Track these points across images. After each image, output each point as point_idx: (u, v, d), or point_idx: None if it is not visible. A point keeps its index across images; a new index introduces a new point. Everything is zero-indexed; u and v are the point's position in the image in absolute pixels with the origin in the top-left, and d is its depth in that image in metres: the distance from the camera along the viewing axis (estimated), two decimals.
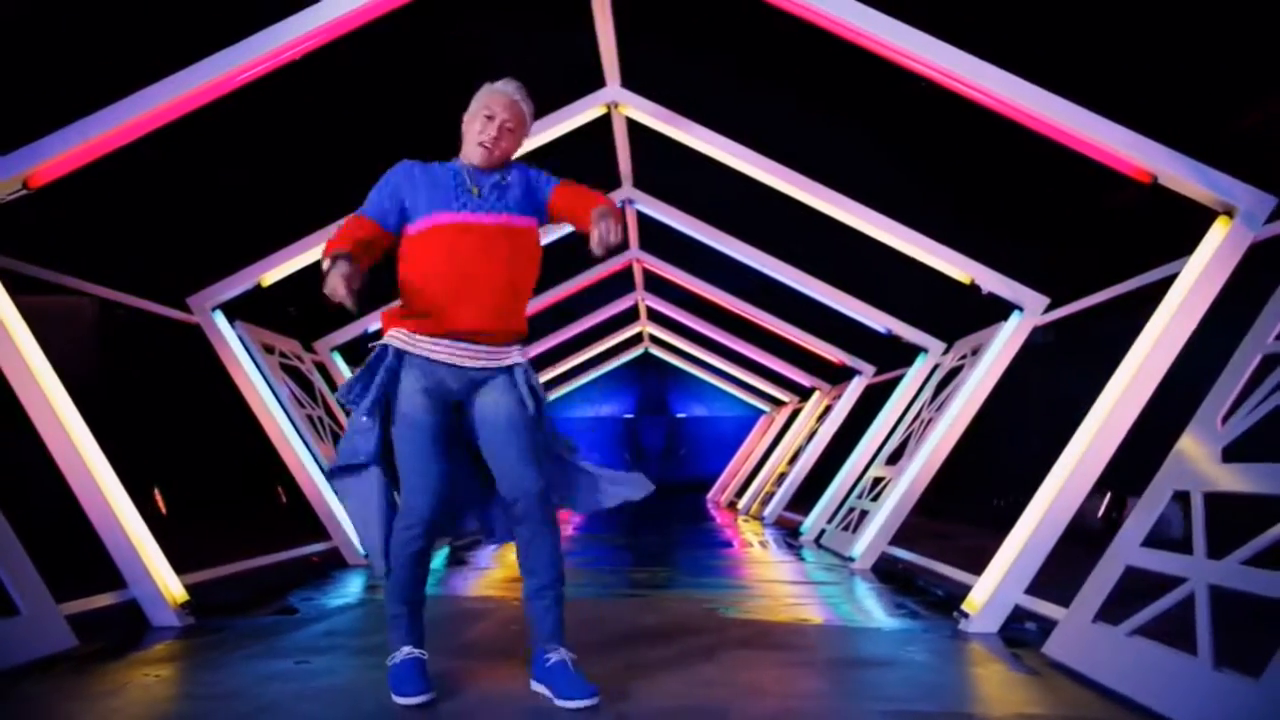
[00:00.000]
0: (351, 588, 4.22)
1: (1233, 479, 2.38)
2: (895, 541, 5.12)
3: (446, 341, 2.26)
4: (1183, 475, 2.55)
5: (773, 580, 4.61)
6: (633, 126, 5.60)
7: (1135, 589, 2.52)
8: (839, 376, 9.30)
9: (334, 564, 4.97)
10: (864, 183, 5.37)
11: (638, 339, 12.23)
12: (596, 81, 5.16)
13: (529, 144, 5.45)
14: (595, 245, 2.22)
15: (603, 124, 5.58)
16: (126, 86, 3.36)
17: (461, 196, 2.31)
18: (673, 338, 11.51)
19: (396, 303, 2.37)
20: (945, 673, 2.61)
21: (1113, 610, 2.55)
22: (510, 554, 5.86)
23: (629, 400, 16.01)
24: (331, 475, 2.38)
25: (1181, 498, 2.54)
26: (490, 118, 2.36)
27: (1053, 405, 10.09)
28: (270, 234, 5.08)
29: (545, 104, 5.30)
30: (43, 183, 3.41)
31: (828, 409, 9.09)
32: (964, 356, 5.62)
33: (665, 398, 15.97)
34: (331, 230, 2.38)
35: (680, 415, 16.21)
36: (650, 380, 15.63)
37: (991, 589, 3.15)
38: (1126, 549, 2.61)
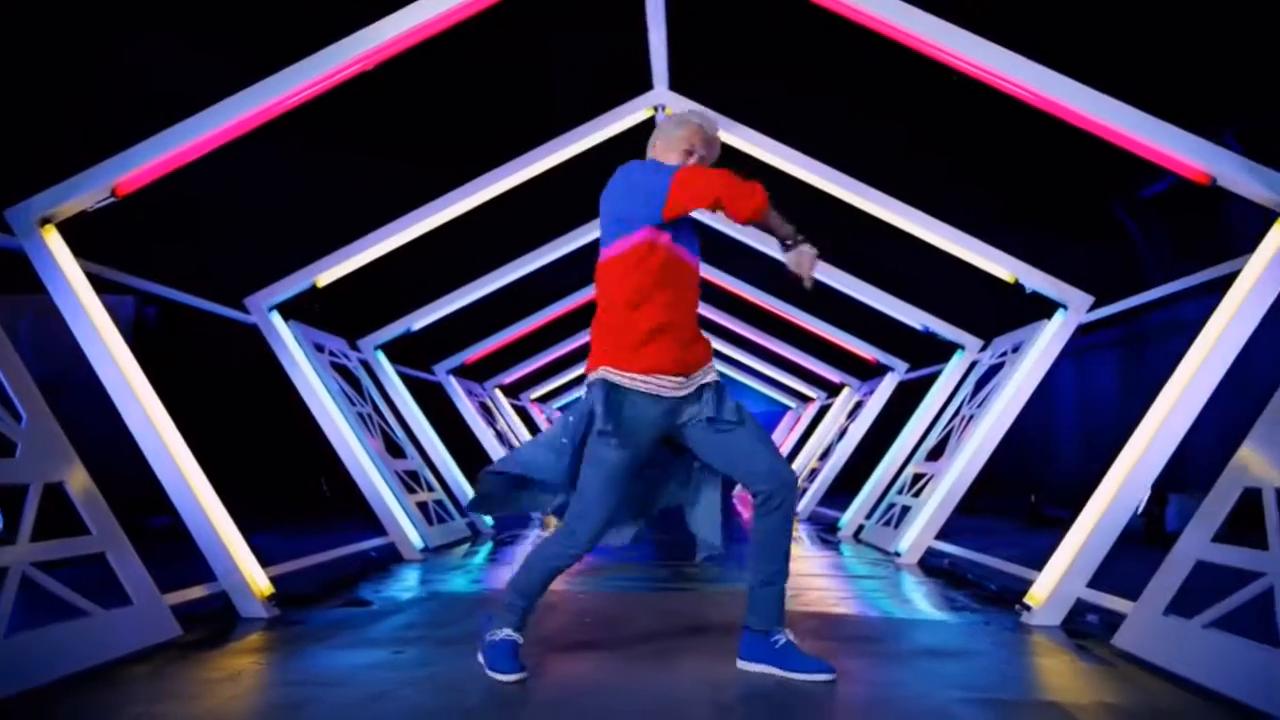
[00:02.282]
0: (414, 581, 4.33)
1: None
2: (937, 537, 5.20)
3: (656, 378, 2.39)
4: (1253, 472, 2.62)
5: (822, 574, 4.70)
6: None
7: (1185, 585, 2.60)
8: (869, 373, 9.36)
9: (391, 559, 5.08)
10: (904, 180, 5.42)
11: None
12: (644, 84, 5.25)
13: (574, 147, 5.58)
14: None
15: (645, 125, 5.66)
16: (207, 98, 3.48)
17: (684, 232, 2.46)
18: (715, 340, 11.61)
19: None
20: (1019, 664, 2.70)
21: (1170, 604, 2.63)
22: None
23: None
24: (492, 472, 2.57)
25: (1252, 494, 2.60)
26: (704, 158, 2.54)
27: (1081, 403, 10.17)
28: (324, 236, 5.21)
29: (593, 107, 5.42)
30: (129, 191, 3.53)
31: (858, 405, 9.15)
32: (1004, 354, 5.67)
33: None
34: None
35: None
36: None
37: (1054, 583, 3.23)
38: (1196, 544, 2.68)
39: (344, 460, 5.14)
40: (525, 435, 10.39)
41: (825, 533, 7.13)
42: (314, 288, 5.20)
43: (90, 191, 3.43)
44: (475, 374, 9.34)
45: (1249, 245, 3.34)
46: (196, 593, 3.26)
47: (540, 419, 11.84)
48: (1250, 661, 2.24)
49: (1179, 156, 3.29)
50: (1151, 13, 4.37)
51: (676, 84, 5.22)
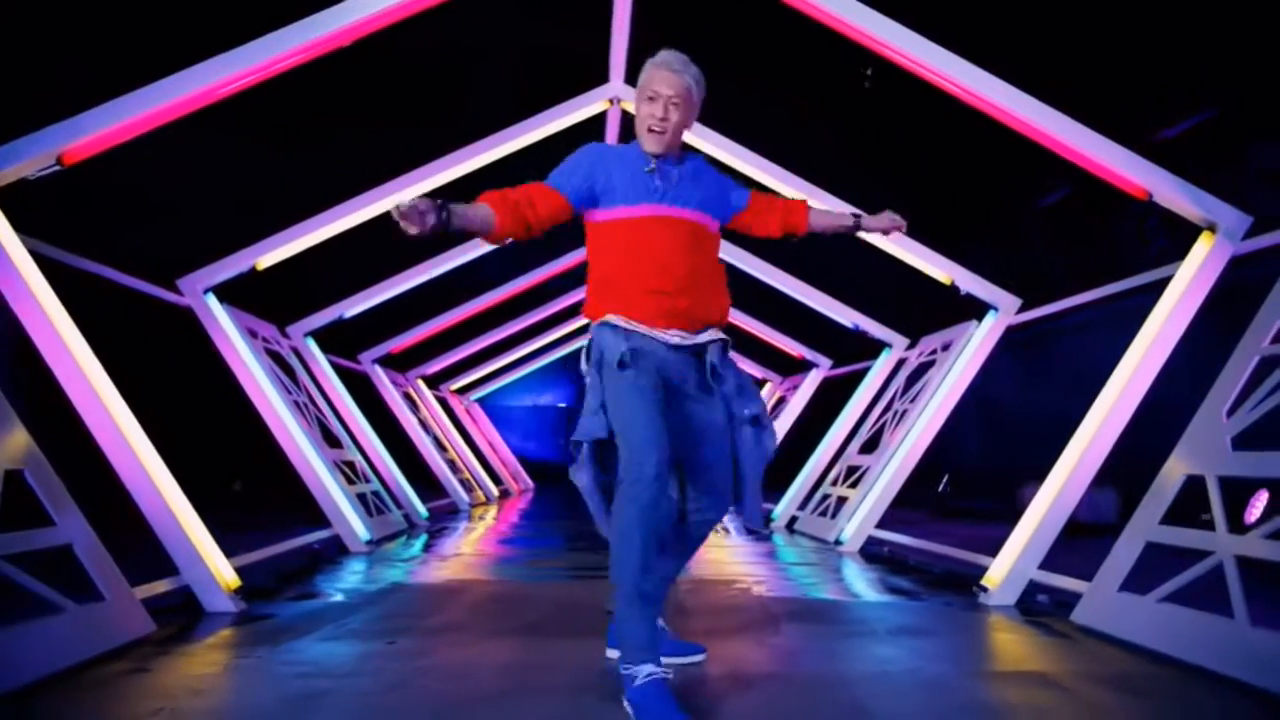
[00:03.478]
0: (371, 573, 4.22)
1: (1244, 465, 2.72)
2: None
3: (653, 328, 2.27)
4: (1196, 461, 2.89)
5: (776, 563, 4.85)
6: (626, 121, 5.70)
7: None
8: (790, 368, 9.65)
9: (336, 551, 4.94)
10: (841, 177, 5.60)
11: (585, 329, 12.34)
12: (600, 77, 5.27)
13: (527, 138, 5.54)
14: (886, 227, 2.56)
15: (595, 118, 5.67)
16: (167, 67, 3.30)
17: (653, 189, 2.30)
18: None
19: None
20: (991, 639, 2.89)
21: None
22: (474, 537, 5.89)
23: (569, 390, 16.08)
24: (574, 454, 2.28)
25: (1195, 481, 2.87)
26: (653, 98, 2.30)
27: (980, 400, 10.79)
28: (265, 217, 5.00)
29: (546, 99, 5.39)
30: (77, 160, 3.31)
31: (781, 400, 9.42)
32: (934, 352, 5.98)
33: None
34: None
35: None
36: None
37: (1009, 565, 3.47)
38: (1145, 527, 2.94)
39: (286, 451, 4.95)
40: (449, 426, 10.22)
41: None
42: (254, 270, 4.99)
43: (33, 158, 3.19)
44: (398, 364, 9.13)
45: (1132, 257, 3.68)
46: (161, 587, 3.09)
47: (459, 409, 11.64)
48: (1205, 630, 2.48)
49: (1121, 171, 3.55)
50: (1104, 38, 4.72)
51: (633, 77, 5.24)
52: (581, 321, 11.70)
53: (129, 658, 2.46)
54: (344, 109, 5.14)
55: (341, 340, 7.73)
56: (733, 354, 2.43)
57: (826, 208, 2.60)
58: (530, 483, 13.86)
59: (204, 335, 4.81)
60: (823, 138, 6.14)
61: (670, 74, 2.30)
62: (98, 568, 2.64)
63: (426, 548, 5.40)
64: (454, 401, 11.55)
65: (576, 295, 10.11)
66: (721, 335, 2.40)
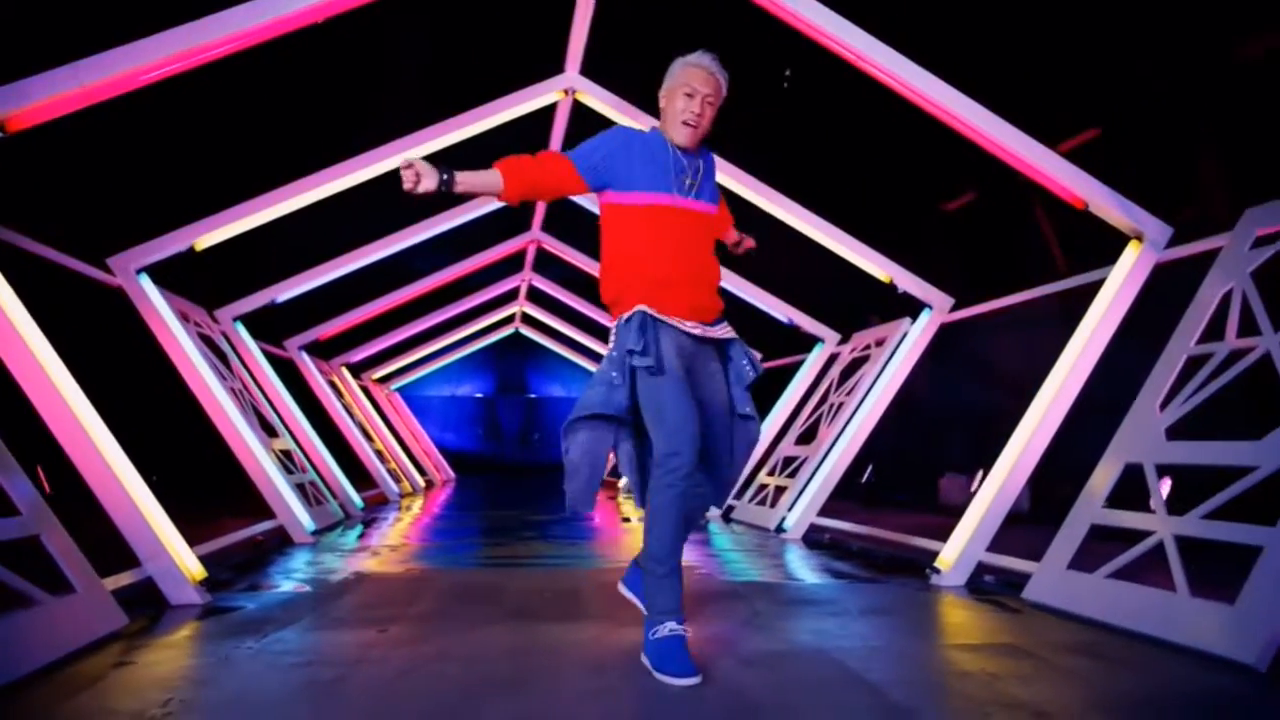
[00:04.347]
0: (326, 564, 4.13)
1: (1178, 453, 3.00)
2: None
3: (675, 318, 2.38)
4: (1133, 450, 3.16)
5: (723, 549, 4.98)
6: (576, 111, 5.71)
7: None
8: None
9: (281, 543, 4.79)
10: (786, 174, 5.77)
11: (509, 320, 12.30)
12: (555, 67, 5.26)
13: (478, 125, 5.48)
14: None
15: (545, 108, 5.65)
16: (124, 34, 3.14)
17: (676, 180, 2.42)
18: (549, 317, 11.70)
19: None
20: (956, 616, 3.09)
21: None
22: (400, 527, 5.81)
23: (488, 380, 15.90)
24: (570, 425, 2.37)
25: (1133, 468, 3.14)
26: (691, 95, 2.41)
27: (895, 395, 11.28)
28: (205, 196, 4.79)
29: (501, 85, 5.34)
30: (22, 127, 3.12)
31: None
32: (867, 347, 6.24)
33: (524, 378, 16.01)
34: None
35: (533, 396, 16.29)
36: (511, 361, 15.62)
37: (960, 549, 3.69)
38: (1090, 510, 3.19)
39: (228, 440, 4.76)
40: (374, 415, 9.99)
41: None
42: (191, 250, 4.78)
43: None
44: (323, 351, 8.86)
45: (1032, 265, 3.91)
46: (125, 579, 2.95)
47: (380, 398, 11.37)
48: (1151, 602, 2.73)
49: (1061, 181, 3.81)
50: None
51: (588, 68, 5.26)
52: (505, 314, 11.66)
53: (108, 652, 2.36)
54: (290, 92, 4.96)
55: (267, 325, 7.46)
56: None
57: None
58: (452, 473, 13.68)
59: (127, 318, 4.57)
60: (776, 133, 6.31)
61: (708, 74, 2.45)
62: (67, 559, 2.51)
63: (371, 538, 5.29)
64: (375, 390, 11.27)
65: (499, 289, 10.09)
66: (732, 330, 2.54)
